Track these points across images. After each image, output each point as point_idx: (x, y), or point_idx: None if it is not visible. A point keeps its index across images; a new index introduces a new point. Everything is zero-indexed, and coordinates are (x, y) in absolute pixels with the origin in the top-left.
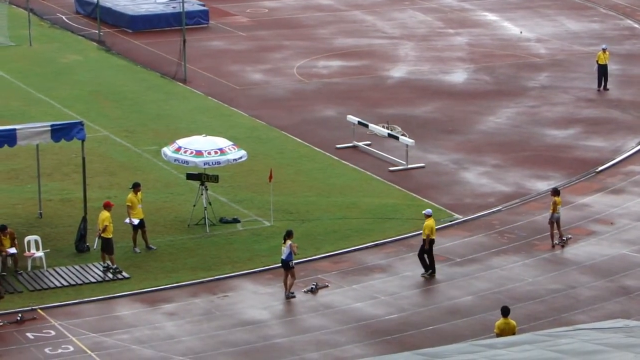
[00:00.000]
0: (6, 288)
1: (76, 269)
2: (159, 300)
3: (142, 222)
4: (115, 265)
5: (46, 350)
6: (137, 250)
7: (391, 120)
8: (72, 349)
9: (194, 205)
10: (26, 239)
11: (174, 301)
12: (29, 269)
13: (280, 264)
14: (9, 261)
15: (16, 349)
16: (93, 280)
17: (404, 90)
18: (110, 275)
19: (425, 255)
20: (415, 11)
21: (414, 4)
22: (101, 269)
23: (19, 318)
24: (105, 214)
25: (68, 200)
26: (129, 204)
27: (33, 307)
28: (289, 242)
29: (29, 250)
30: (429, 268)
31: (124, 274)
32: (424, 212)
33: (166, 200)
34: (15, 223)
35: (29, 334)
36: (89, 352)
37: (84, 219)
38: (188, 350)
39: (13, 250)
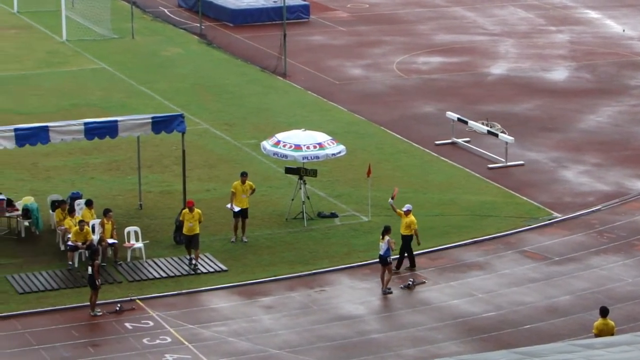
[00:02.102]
0: (106, 278)
1: (175, 261)
2: (257, 293)
3: (242, 211)
4: (194, 261)
5: (144, 340)
6: (233, 239)
7: (491, 117)
8: (169, 339)
9: (292, 199)
10: (126, 229)
11: (271, 294)
12: (129, 259)
13: (377, 260)
14: (109, 251)
15: (115, 339)
16: (191, 272)
17: (504, 87)
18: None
19: (406, 253)
20: (516, 8)
21: (515, 0)
22: (191, 263)
23: (118, 308)
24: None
25: (168, 192)
26: (233, 191)
27: (132, 298)
28: (387, 237)
29: (128, 241)
30: (414, 263)
31: (222, 266)
32: (404, 208)
33: (265, 194)
34: (116, 214)
35: (127, 324)
36: (186, 343)
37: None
38: (284, 343)
39: (113, 240)
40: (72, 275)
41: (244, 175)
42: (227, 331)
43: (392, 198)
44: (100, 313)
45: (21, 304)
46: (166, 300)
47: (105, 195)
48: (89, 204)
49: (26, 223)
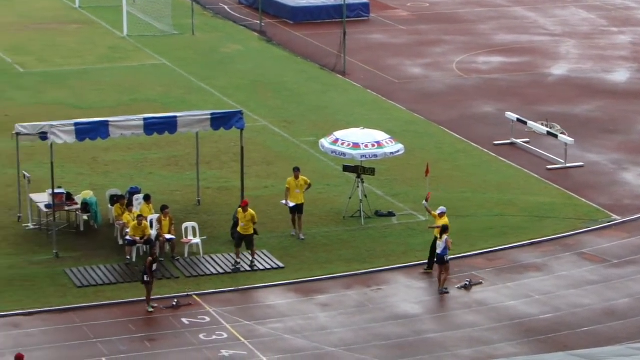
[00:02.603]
0: (163, 273)
1: (232, 257)
2: (313, 291)
3: (297, 207)
4: (252, 258)
5: (200, 336)
6: (293, 233)
7: (550, 118)
8: (225, 335)
9: (350, 198)
10: (184, 225)
11: (328, 292)
12: (186, 255)
13: (435, 259)
14: (167, 247)
15: (171, 334)
16: (248, 268)
17: (564, 88)
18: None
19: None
20: (578, 9)
21: (577, 1)
22: (237, 263)
23: (174, 303)
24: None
25: (226, 188)
26: (287, 186)
27: (189, 293)
28: (445, 236)
29: (186, 237)
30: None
31: (279, 263)
32: (439, 210)
33: (322, 192)
34: (174, 209)
35: (184, 319)
36: (242, 339)
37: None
38: (340, 341)
39: (171, 236)
40: (130, 269)
41: (296, 171)
42: (283, 328)
43: (426, 200)
44: (152, 310)
45: (79, 297)
46: (223, 296)
47: (164, 190)
48: (147, 199)
49: (85, 217)
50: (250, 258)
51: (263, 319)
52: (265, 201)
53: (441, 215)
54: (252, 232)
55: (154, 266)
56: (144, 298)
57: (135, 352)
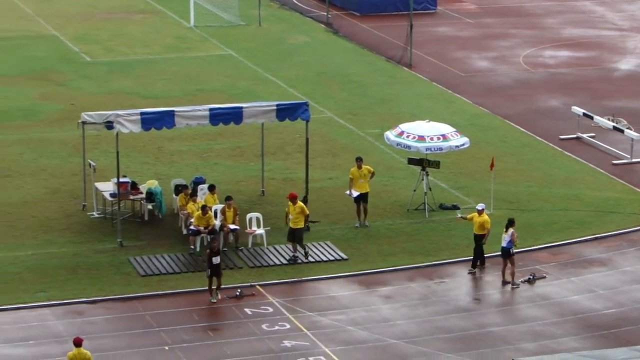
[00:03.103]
0: (226, 263)
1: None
2: (376, 283)
3: (362, 196)
4: (306, 249)
5: (263, 326)
6: (357, 224)
7: (617, 113)
8: (288, 326)
9: (414, 190)
10: (248, 215)
11: (391, 284)
12: (250, 245)
13: (499, 253)
14: (231, 237)
15: (234, 324)
16: (312, 259)
17: (631, 83)
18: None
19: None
20: None
21: None
22: (294, 256)
23: (238, 293)
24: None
25: (290, 179)
26: (350, 177)
27: (252, 284)
28: (511, 230)
29: (250, 227)
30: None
31: (342, 255)
32: (478, 207)
33: (387, 184)
34: (238, 199)
35: (247, 310)
36: (304, 330)
37: (305, 199)
38: (403, 334)
39: (235, 226)
40: (194, 259)
41: (359, 160)
42: (346, 320)
43: (463, 218)
44: (215, 300)
45: (143, 286)
46: (286, 287)
47: (228, 180)
48: (211, 189)
49: (149, 206)
50: (303, 251)
51: (325, 310)
52: (329, 193)
53: (480, 212)
54: (302, 225)
55: (215, 259)
56: (205, 288)
57: (198, 342)
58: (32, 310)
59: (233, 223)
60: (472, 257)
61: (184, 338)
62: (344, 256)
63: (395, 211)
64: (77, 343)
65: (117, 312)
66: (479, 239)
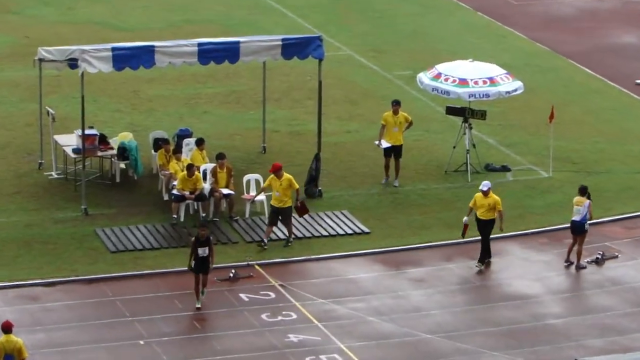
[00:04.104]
0: (218, 237)
1: (304, 219)
2: (405, 263)
3: (394, 149)
4: (291, 238)
5: (263, 316)
6: (384, 181)
7: None
8: (294, 316)
9: (454, 147)
10: (245, 178)
11: (423, 265)
12: (247, 215)
13: (569, 226)
14: (223, 204)
15: (226, 312)
16: (324, 233)
17: None
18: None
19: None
20: None
21: None
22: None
23: (231, 275)
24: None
25: (298, 133)
26: (383, 123)
27: (250, 263)
28: (587, 201)
29: (248, 193)
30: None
31: (363, 228)
32: (483, 187)
33: (419, 139)
34: (233, 157)
35: (242, 295)
36: (315, 321)
37: (317, 157)
38: (437, 326)
39: (228, 191)
40: (177, 231)
41: (395, 104)
42: (367, 308)
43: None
44: (200, 305)
45: (113, 265)
46: (292, 267)
47: (221, 134)
48: (199, 143)
49: (122, 165)
50: (288, 236)
51: (342, 296)
52: (347, 149)
53: (486, 193)
54: (291, 203)
55: (202, 251)
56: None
57: (182, 335)
58: None
59: (226, 187)
60: (480, 250)
61: (164, 330)
62: (365, 229)
63: (429, 173)
64: (6, 328)
65: (80, 297)
66: (485, 226)
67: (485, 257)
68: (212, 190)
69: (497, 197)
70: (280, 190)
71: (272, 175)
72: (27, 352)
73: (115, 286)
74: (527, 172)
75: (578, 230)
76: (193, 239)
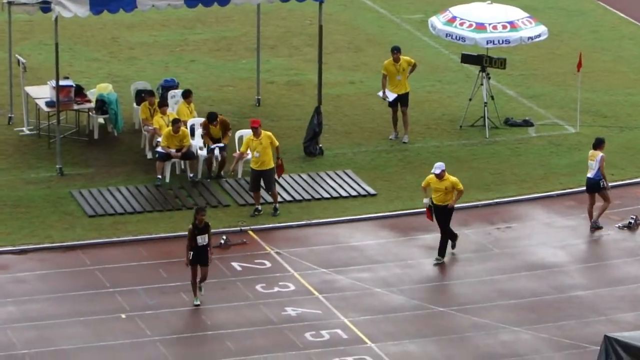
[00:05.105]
0: (208, 200)
1: (304, 179)
2: (414, 228)
3: (400, 98)
4: (276, 205)
5: (257, 287)
6: (392, 136)
7: None
8: (292, 287)
9: (470, 100)
10: (238, 133)
11: (435, 231)
12: (239, 175)
13: (585, 187)
14: (215, 162)
15: (217, 283)
16: (326, 195)
17: None
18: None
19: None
20: None
21: None
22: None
23: (222, 241)
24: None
25: (297, 83)
26: (384, 72)
27: (243, 228)
28: (599, 154)
29: (240, 150)
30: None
31: (369, 189)
32: (435, 169)
33: (431, 91)
34: (224, 111)
35: (235, 264)
36: (315, 293)
37: (318, 111)
38: (451, 299)
39: (221, 145)
40: (162, 193)
41: (396, 52)
42: (373, 279)
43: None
44: (199, 302)
45: (91, 230)
46: (290, 232)
47: (210, 85)
48: (187, 96)
49: (101, 120)
50: (273, 203)
51: (345, 265)
52: (350, 102)
53: (439, 176)
54: (272, 165)
55: (201, 239)
56: (179, 233)
57: (168, 308)
58: None
59: (220, 141)
60: (439, 244)
61: (148, 303)
62: (371, 190)
63: (442, 128)
64: None
65: (55, 265)
66: (442, 213)
67: (443, 249)
68: (208, 146)
69: (453, 178)
70: (260, 150)
71: (249, 135)
72: None
73: (94, 254)
74: (552, 127)
75: (592, 188)
76: (190, 226)
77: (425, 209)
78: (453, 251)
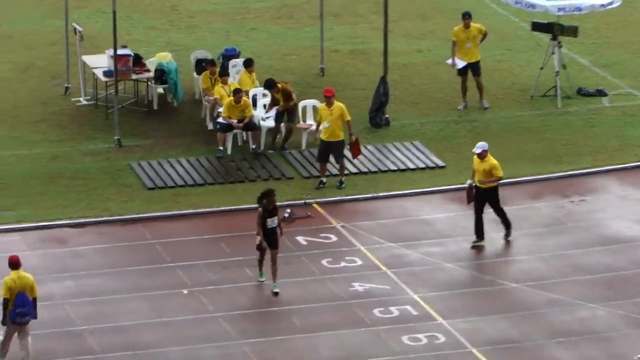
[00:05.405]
0: (270, 172)
1: (369, 151)
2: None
3: (471, 66)
4: (342, 178)
5: (323, 262)
6: (461, 106)
7: None
8: (359, 262)
9: (541, 69)
10: (301, 104)
11: (507, 203)
12: (304, 146)
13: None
14: (280, 132)
15: (282, 258)
16: (393, 168)
17: None
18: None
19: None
20: None
21: None
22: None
23: (287, 215)
24: None
25: (361, 51)
26: (454, 39)
27: (307, 201)
28: None
29: (304, 121)
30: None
31: (437, 161)
32: (477, 148)
33: (500, 60)
34: (287, 81)
35: (299, 238)
36: (383, 268)
37: (384, 80)
38: (523, 274)
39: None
40: (223, 165)
41: (466, 17)
42: (442, 253)
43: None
44: (264, 278)
45: (151, 203)
46: (357, 205)
47: (272, 53)
48: (248, 65)
49: (160, 90)
50: (340, 176)
51: (414, 239)
52: (417, 71)
53: (481, 156)
54: (342, 137)
55: (271, 222)
56: (239, 207)
57: (230, 284)
58: None
59: (284, 107)
60: (474, 226)
61: (210, 278)
62: (440, 162)
63: (512, 99)
64: (15, 263)
65: (114, 239)
66: (484, 197)
67: (481, 231)
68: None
69: (494, 161)
70: (331, 121)
71: (323, 104)
72: (37, 291)
73: (154, 227)
74: (626, 97)
75: None
76: (260, 209)
77: (467, 189)
78: (509, 238)
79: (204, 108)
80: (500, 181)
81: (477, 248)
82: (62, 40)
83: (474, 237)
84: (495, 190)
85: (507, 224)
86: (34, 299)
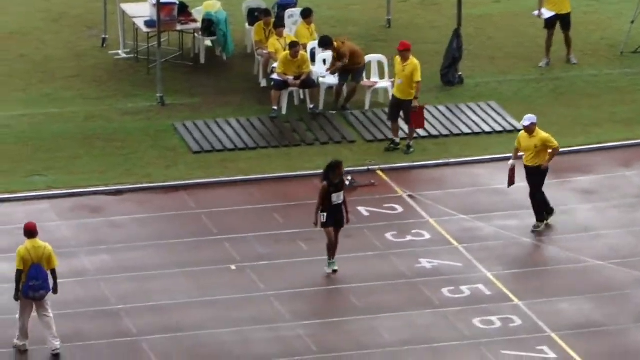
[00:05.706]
0: (330, 134)
1: (440, 112)
2: (569, 169)
3: (560, 18)
4: (410, 142)
5: (388, 235)
6: (543, 63)
7: None
8: (427, 236)
9: (632, 22)
10: (365, 59)
11: (592, 172)
12: (367, 107)
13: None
14: (344, 91)
15: (342, 231)
16: (466, 131)
17: None
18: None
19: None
20: None
21: None
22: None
23: (347, 182)
24: None
25: (433, 2)
26: None
27: (371, 167)
28: None
29: (368, 78)
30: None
31: (515, 124)
32: (525, 121)
33: (587, 11)
34: (350, 34)
35: (361, 209)
36: (454, 242)
37: (457, 34)
38: (611, 251)
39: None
40: (277, 127)
41: None
42: (519, 227)
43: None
44: (336, 269)
45: (196, 168)
46: (424, 173)
47: (333, 3)
48: (307, 15)
49: (208, 42)
50: (408, 140)
51: (487, 211)
52: (495, 23)
53: (529, 129)
54: (413, 95)
55: (336, 197)
56: (295, 174)
57: (283, 259)
58: (23, 204)
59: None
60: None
61: (259, 252)
62: (518, 125)
63: (601, 55)
64: (31, 231)
65: (154, 208)
66: (533, 176)
67: (541, 214)
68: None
69: (545, 134)
70: (403, 77)
71: (397, 57)
72: (57, 261)
73: (199, 195)
74: None
75: None
76: (324, 183)
77: (509, 171)
78: (535, 226)
79: (256, 63)
80: (571, 149)
81: (541, 229)
82: None
83: (556, 208)
84: (546, 168)
85: (541, 212)
86: (53, 271)
